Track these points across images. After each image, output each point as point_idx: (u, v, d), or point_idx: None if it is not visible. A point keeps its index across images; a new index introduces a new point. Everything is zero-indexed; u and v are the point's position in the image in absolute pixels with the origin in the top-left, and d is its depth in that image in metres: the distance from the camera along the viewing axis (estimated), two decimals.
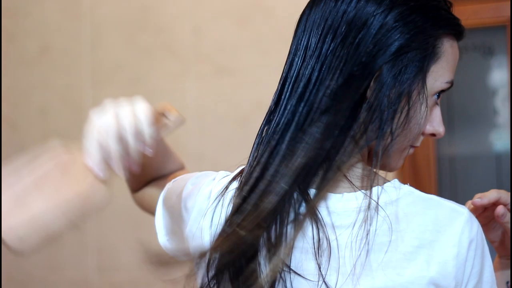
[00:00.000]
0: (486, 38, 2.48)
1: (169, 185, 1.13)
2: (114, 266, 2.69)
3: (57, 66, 2.76)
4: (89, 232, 2.72)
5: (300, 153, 0.94)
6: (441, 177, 2.49)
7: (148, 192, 1.20)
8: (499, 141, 2.48)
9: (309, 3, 1.03)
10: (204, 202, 1.03)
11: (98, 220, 2.71)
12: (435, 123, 1.02)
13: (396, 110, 0.96)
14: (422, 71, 0.97)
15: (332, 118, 0.94)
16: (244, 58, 2.55)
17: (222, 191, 1.01)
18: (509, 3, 2.34)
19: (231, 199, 1.00)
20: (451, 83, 1.02)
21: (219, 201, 1.01)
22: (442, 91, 1.02)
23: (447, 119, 2.48)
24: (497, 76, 2.50)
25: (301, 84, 0.97)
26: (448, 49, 1.00)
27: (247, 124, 2.48)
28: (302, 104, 0.96)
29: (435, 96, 1.01)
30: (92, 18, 2.73)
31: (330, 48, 0.96)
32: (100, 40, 2.72)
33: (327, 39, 0.97)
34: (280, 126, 0.97)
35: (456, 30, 1.01)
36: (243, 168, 1.03)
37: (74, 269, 2.73)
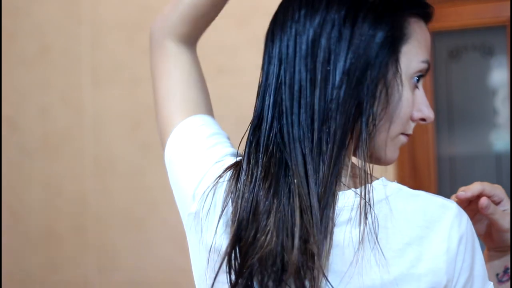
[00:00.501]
0: (486, 38, 2.49)
1: (189, 121, 1.12)
2: (114, 266, 2.69)
3: (57, 66, 2.76)
4: (89, 232, 2.72)
5: (319, 167, 0.95)
6: (441, 177, 2.49)
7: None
8: (499, 141, 2.48)
9: (273, 17, 1.06)
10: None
11: (98, 220, 2.71)
12: (422, 107, 1.03)
13: (374, 95, 0.96)
14: (394, 53, 0.98)
15: (343, 121, 0.95)
16: (244, 58, 2.55)
17: (215, 180, 1.01)
18: (509, 3, 2.34)
19: (225, 191, 1.00)
20: (427, 63, 1.02)
21: (211, 189, 1.01)
22: (421, 75, 1.02)
23: (447, 119, 2.48)
24: (497, 76, 2.50)
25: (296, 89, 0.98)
26: (417, 29, 1.02)
27: (247, 124, 2.48)
28: (303, 111, 0.97)
29: (414, 79, 1.01)
30: (92, 18, 2.73)
31: (315, 50, 0.97)
32: (100, 40, 2.72)
33: (303, 44, 0.98)
34: (280, 136, 0.98)
35: (419, 11, 1.02)
36: (239, 160, 1.03)
37: (74, 269, 2.73)
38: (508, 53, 2.41)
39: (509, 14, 2.37)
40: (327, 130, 0.95)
